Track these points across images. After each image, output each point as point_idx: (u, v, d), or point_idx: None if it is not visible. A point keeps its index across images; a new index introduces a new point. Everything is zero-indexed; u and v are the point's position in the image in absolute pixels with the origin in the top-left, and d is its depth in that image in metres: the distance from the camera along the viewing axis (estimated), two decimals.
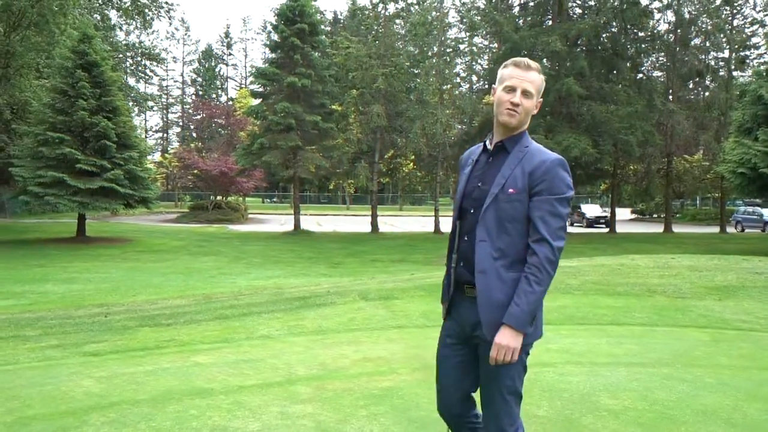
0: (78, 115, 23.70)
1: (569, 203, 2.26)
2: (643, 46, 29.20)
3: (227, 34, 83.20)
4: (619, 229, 32.66)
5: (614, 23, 27.76)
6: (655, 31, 29.55)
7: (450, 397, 2.44)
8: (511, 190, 2.22)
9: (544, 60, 27.87)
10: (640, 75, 30.19)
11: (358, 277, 14.00)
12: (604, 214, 37.53)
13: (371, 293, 8.35)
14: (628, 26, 27.79)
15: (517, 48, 27.09)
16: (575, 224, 38.62)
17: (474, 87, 36.69)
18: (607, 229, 33.40)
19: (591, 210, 39.34)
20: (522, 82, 2.26)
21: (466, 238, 2.32)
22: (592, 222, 37.32)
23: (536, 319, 2.26)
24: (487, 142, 2.40)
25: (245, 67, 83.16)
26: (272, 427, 3.70)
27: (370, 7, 32.96)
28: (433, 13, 33.87)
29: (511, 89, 2.27)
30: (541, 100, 2.37)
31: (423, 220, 40.59)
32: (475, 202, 2.31)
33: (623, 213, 46.27)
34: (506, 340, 2.15)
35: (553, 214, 2.19)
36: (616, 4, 26.79)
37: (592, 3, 28.84)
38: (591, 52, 27.81)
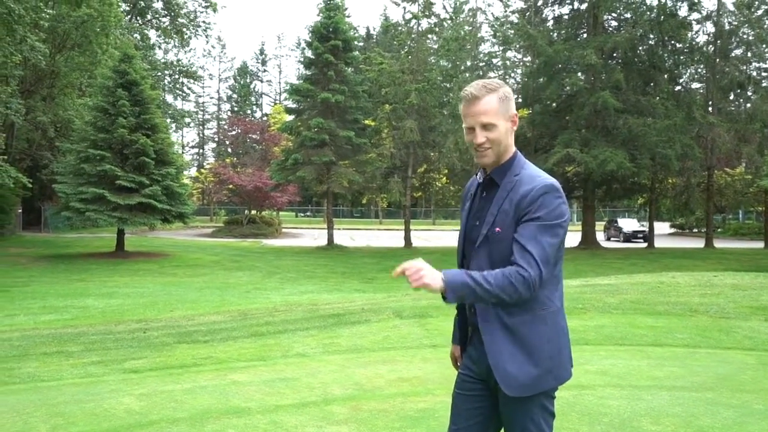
0: (118, 132, 24.33)
1: (556, 231, 1.97)
2: (681, 58, 28.66)
3: (262, 51, 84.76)
4: (658, 243, 31.97)
5: (651, 35, 27.36)
6: (694, 43, 28.99)
7: None
8: (497, 229, 2.02)
9: (579, 73, 27.62)
10: (679, 87, 29.63)
11: (392, 293, 13.97)
12: (641, 229, 36.79)
13: (406, 311, 8.32)
14: (666, 38, 27.34)
15: (552, 61, 26.93)
16: (612, 239, 37.96)
17: None
18: (645, 244, 32.73)
19: (628, 224, 38.62)
20: (475, 118, 2.03)
21: None
22: (630, 237, 36.62)
23: (562, 357, 2.07)
24: (478, 175, 2.19)
25: (279, 83, 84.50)
26: None
27: (403, 22, 33.18)
28: (466, 27, 33.93)
29: (470, 129, 2.06)
30: (516, 113, 2.10)
31: (456, 235, 40.26)
32: (474, 243, 2.11)
33: (662, 227, 45.31)
34: (427, 271, 1.88)
35: (532, 240, 1.94)
36: (653, 16, 26.41)
37: (629, 15, 28.48)
38: (627, 64, 27.42)
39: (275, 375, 5.41)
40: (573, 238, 32.99)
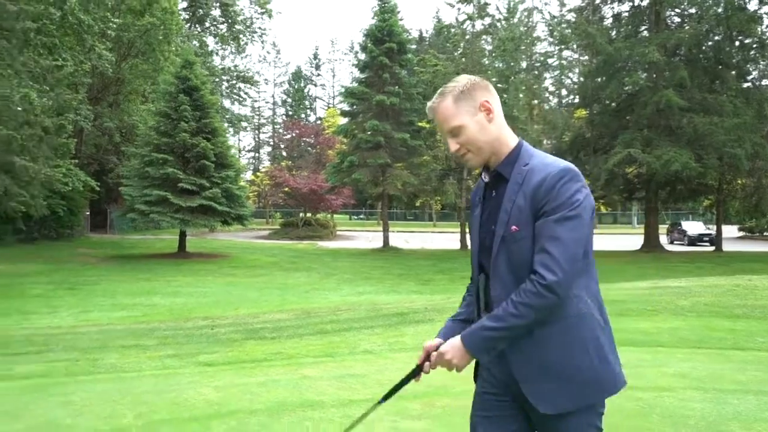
0: (180, 136, 25.02)
1: (579, 222, 1.75)
2: (750, 53, 27.39)
3: (316, 56, 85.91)
4: (726, 247, 30.69)
5: (718, 31, 26.31)
6: (765, 37, 27.72)
7: None
8: (514, 228, 1.80)
9: (640, 71, 26.81)
10: (748, 84, 28.37)
11: (450, 294, 13.89)
12: (707, 232, 35.40)
13: None
14: (734, 33, 26.22)
15: (611, 60, 26.26)
16: (675, 242, 36.67)
17: (564, 101, 35.87)
18: (712, 248, 31.49)
19: (693, 227, 37.19)
20: (441, 128, 1.91)
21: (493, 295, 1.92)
22: (695, 240, 35.25)
23: (607, 364, 1.82)
24: (483, 175, 1.97)
25: (333, 87, 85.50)
26: None
27: (457, 24, 33.03)
28: (521, 28, 33.51)
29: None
30: (486, 100, 1.90)
31: None
32: (491, 249, 1.89)
33: (730, 230, 43.48)
34: (451, 353, 1.83)
35: (551, 238, 1.73)
36: (719, 10, 25.38)
37: (693, 11, 27.49)
38: (692, 61, 26.45)
39: (344, 371, 5.45)
40: (635, 241, 32.10)
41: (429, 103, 1.95)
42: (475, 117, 1.88)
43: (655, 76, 26.47)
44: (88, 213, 36.30)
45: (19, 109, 19.66)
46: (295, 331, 7.61)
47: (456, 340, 1.85)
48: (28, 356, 6.27)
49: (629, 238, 35.91)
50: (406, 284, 19.06)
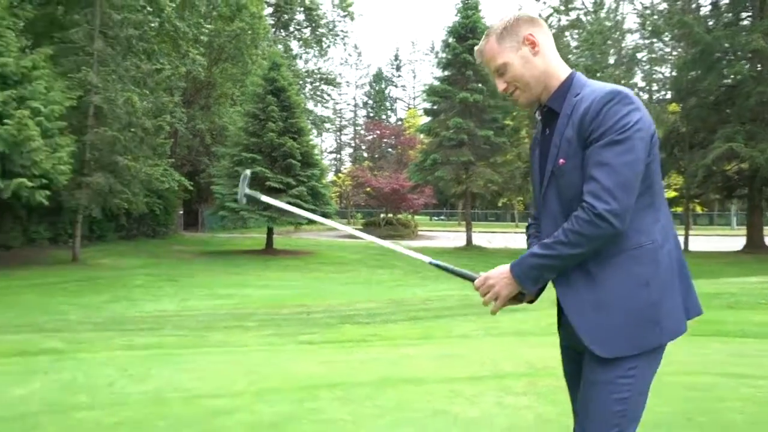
0: (268, 136, 25.80)
1: (631, 145, 1.62)
2: None
3: (396, 57, 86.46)
4: None
5: None
6: None
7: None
8: (561, 161, 1.72)
9: (743, 61, 25.27)
10: None
11: None
12: None
13: None
14: None
15: (709, 50, 24.89)
16: None
17: (654, 96, 34.34)
18: None
19: None
20: (488, 68, 1.87)
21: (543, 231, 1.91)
22: None
23: (668, 304, 1.69)
24: (537, 112, 1.90)
25: (413, 87, 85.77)
26: (492, 414, 3.71)
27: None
28: (606, 23, 32.41)
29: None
30: (530, 33, 1.82)
31: None
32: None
33: None
34: (495, 278, 1.83)
35: (599, 164, 1.63)
36: None
37: None
38: None
39: (443, 351, 5.47)
40: (735, 242, 30.29)
41: (476, 47, 1.92)
42: (519, 52, 1.81)
43: (759, 66, 24.88)
44: (181, 212, 38.09)
45: (122, 111, 20.93)
46: (389, 317, 7.70)
47: (504, 268, 1.83)
48: (143, 332, 6.67)
49: (728, 240, 33.90)
50: None
